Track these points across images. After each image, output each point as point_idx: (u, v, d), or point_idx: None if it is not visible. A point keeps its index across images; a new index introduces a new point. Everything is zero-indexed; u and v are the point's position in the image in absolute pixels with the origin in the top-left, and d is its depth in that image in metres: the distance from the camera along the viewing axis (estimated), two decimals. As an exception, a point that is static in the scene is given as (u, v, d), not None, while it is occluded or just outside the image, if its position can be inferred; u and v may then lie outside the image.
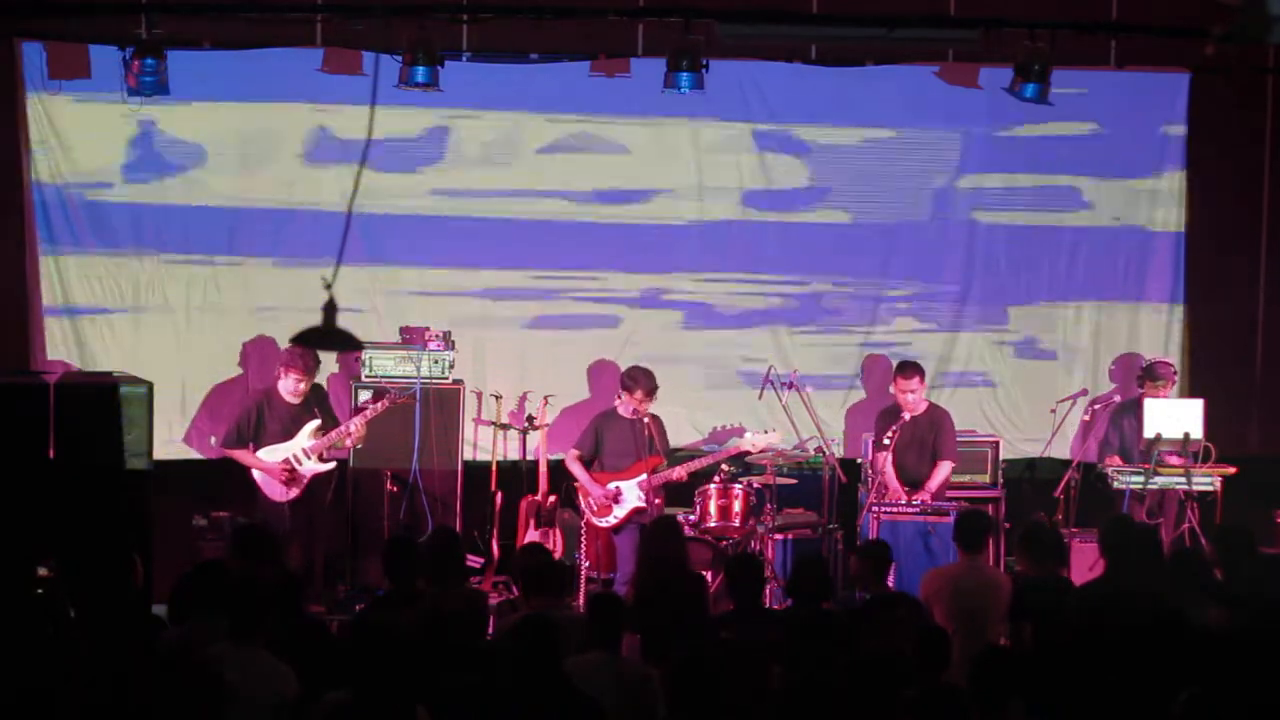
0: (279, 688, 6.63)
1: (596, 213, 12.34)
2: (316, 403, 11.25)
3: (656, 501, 11.23)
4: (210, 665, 6.28)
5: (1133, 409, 11.89)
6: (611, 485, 11.29)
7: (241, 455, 11.11)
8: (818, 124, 12.43)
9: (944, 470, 11.52)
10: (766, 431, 11.54)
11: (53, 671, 6.46)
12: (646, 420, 11.26)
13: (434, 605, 7.56)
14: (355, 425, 11.15)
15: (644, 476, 11.21)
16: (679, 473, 11.32)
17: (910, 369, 11.57)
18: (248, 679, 6.46)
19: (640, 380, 11.27)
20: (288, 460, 11.05)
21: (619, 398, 11.41)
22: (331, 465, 11.23)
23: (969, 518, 9.32)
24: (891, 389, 11.73)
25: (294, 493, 11.07)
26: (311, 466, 11.11)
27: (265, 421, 11.11)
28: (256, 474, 11.09)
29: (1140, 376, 12.09)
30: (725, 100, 12.11)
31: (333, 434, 11.12)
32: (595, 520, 11.35)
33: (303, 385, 11.09)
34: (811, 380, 11.96)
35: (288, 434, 11.09)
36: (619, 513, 11.30)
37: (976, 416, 12.50)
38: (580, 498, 11.43)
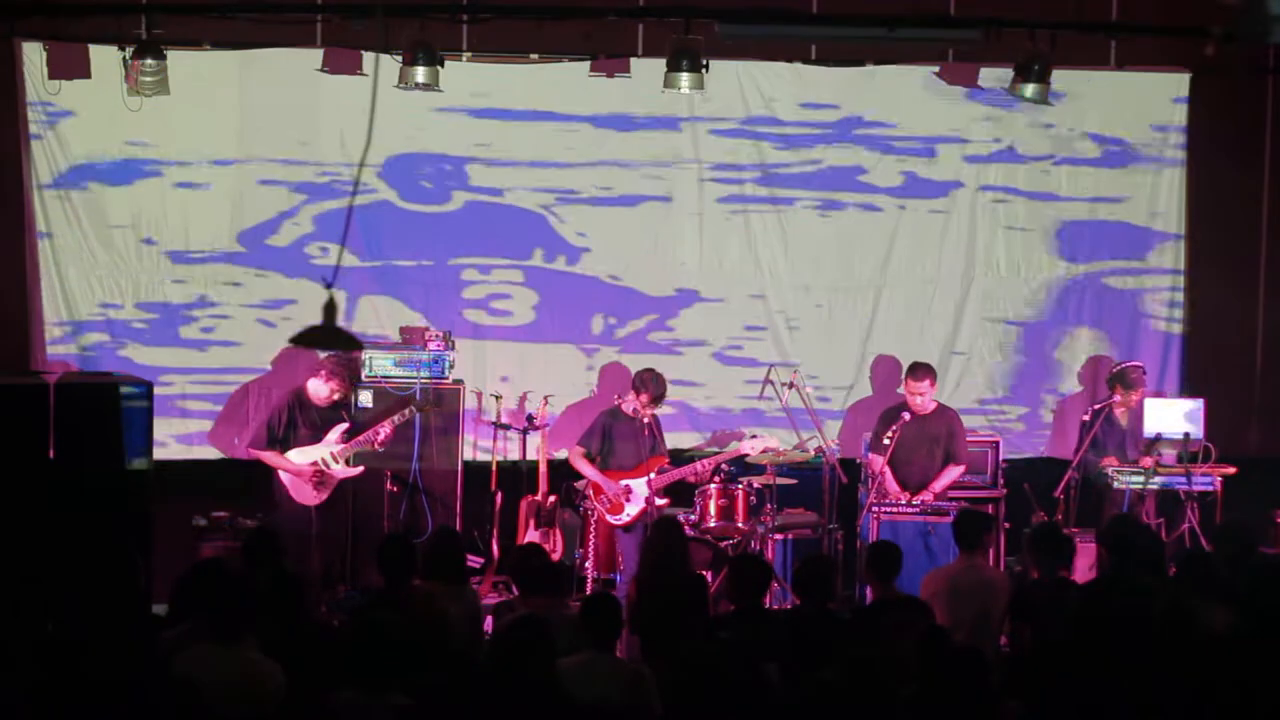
0: (263, 686, 6.64)
1: (593, 208, 12.35)
2: (344, 405, 11.27)
3: (659, 503, 11.22)
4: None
5: (1109, 413, 11.85)
6: (623, 483, 11.29)
7: (271, 457, 11.09)
8: (818, 123, 12.44)
9: (954, 473, 11.51)
10: (764, 435, 11.55)
11: (51, 670, 6.45)
12: (647, 420, 11.27)
13: (431, 604, 7.58)
14: (385, 431, 11.16)
15: (652, 475, 11.21)
16: (697, 469, 11.31)
17: (922, 370, 11.55)
18: (229, 678, 6.46)
19: (650, 385, 11.27)
20: (317, 463, 11.06)
21: (619, 397, 11.42)
22: (360, 469, 11.23)
23: (968, 517, 9.33)
24: (901, 389, 11.73)
25: (324, 496, 11.09)
26: (341, 470, 11.12)
27: (296, 423, 11.13)
28: (285, 476, 11.09)
29: (1110, 380, 12.03)
30: (726, 99, 12.16)
31: (361, 438, 11.14)
32: (609, 518, 11.32)
33: (337, 396, 11.16)
34: (810, 379, 11.96)
35: (316, 437, 11.12)
36: (631, 510, 11.29)
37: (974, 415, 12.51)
38: (592, 495, 11.41)
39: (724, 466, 11.42)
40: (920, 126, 12.47)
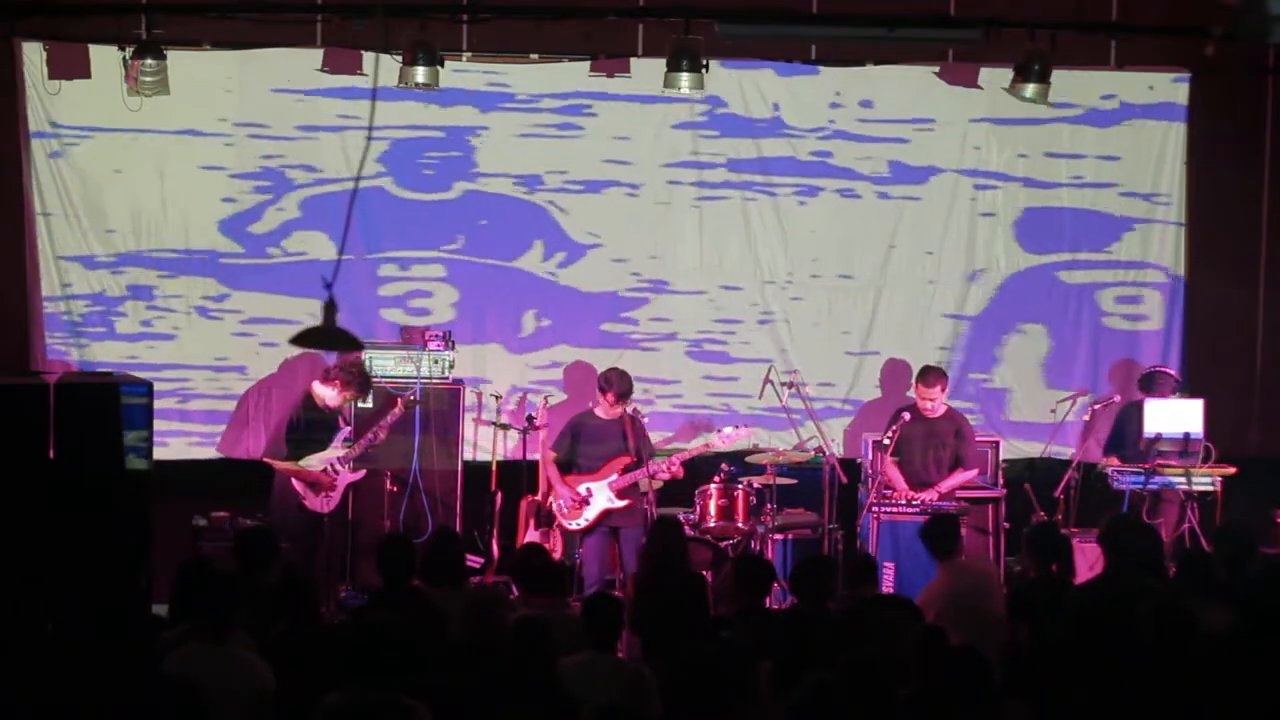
0: (251, 682, 6.64)
1: (592, 204, 12.35)
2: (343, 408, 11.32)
3: (619, 504, 11.14)
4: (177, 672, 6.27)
5: (1136, 411, 11.89)
6: (582, 487, 11.25)
7: (288, 466, 11.05)
8: (819, 121, 12.45)
9: (963, 476, 11.47)
10: (737, 428, 11.55)
11: (50, 670, 6.47)
12: (625, 420, 11.23)
13: (431, 605, 7.58)
14: (382, 434, 11.18)
15: (614, 476, 11.18)
16: (666, 466, 11.29)
17: (933, 376, 11.54)
18: (216, 676, 6.46)
19: (614, 383, 11.22)
20: (327, 470, 11.05)
21: (595, 399, 11.42)
22: (362, 473, 11.25)
23: (934, 526, 9.37)
24: (911, 393, 11.73)
25: (335, 502, 11.10)
26: (346, 475, 11.13)
27: (306, 429, 11.12)
28: (298, 484, 11.04)
29: (1141, 384, 12.09)
30: (725, 98, 12.19)
31: (363, 441, 11.15)
32: (564, 523, 11.28)
33: (345, 404, 11.18)
34: (791, 373, 11.94)
35: (323, 442, 11.11)
36: (588, 515, 11.23)
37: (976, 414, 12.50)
38: (553, 499, 11.40)
39: (724, 467, 11.42)
40: (916, 115, 12.47)
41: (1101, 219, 12.70)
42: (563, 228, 12.34)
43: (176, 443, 11.91)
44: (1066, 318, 12.74)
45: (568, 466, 11.33)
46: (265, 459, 11.23)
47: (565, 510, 11.23)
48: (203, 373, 12.07)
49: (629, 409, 11.29)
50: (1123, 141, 12.63)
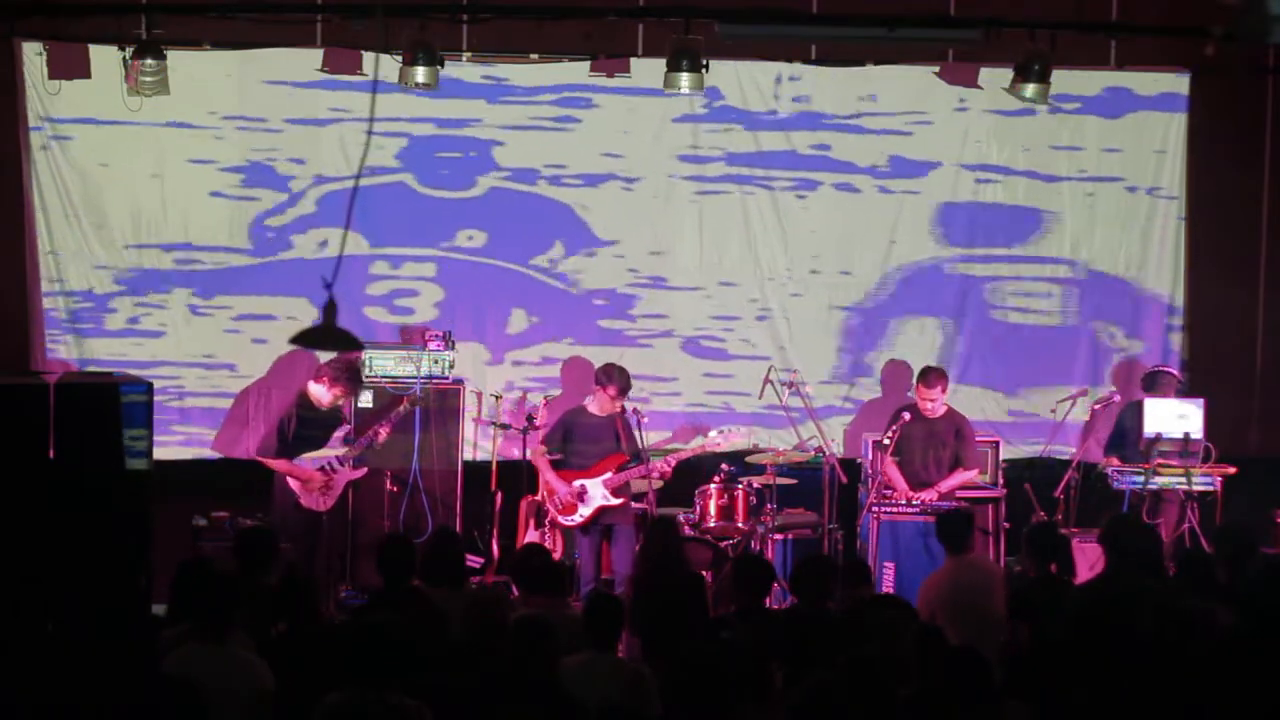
0: (251, 682, 6.65)
1: (590, 201, 12.35)
2: (343, 407, 11.30)
3: (614, 502, 11.14)
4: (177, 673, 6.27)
5: (1137, 411, 11.89)
6: (577, 483, 11.25)
7: (282, 465, 11.06)
8: (820, 122, 12.44)
9: (962, 476, 11.46)
10: (723, 431, 11.54)
11: (50, 670, 6.47)
12: (618, 418, 11.22)
13: (431, 605, 7.59)
14: (384, 431, 11.18)
15: (609, 474, 11.18)
16: (660, 467, 11.28)
17: (934, 376, 11.53)
18: (216, 676, 6.47)
19: (615, 377, 11.23)
20: (324, 469, 11.05)
21: (591, 394, 11.40)
22: (363, 470, 11.26)
23: (950, 519, 9.36)
24: (912, 394, 11.73)
25: (332, 501, 11.10)
26: (346, 473, 11.13)
27: (300, 428, 11.12)
28: (293, 483, 11.05)
29: (1144, 383, 12.10)
30: (726, 98, 12.18)
31: (363, 440, 11.15)
32: (560, 519, 11.28)
33: (340, 401, 11.19)
34: (788, 372, 11.93)
35: (320, 441, 11.11)
36: (584, 511, 11.24)
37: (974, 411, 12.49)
38: (546, 495, 11.40)
39: (724, 467, 11.42)
40: (913, 110, 12.45)
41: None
42: (587, 225, 12.33)
43: (170, 441, 11.88)
44: (1067, 315, 12.71)
45: (560, 463, 11.34)
46: (257, 457, 11.25)
47: (560, 505, 11.24)
48: (193, 370, 12.06)
49: (628, 408, 11.30)
50: (1125, 135, 12.62)
